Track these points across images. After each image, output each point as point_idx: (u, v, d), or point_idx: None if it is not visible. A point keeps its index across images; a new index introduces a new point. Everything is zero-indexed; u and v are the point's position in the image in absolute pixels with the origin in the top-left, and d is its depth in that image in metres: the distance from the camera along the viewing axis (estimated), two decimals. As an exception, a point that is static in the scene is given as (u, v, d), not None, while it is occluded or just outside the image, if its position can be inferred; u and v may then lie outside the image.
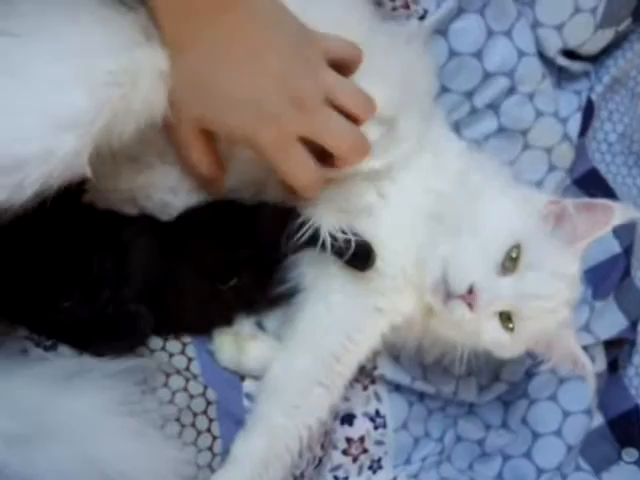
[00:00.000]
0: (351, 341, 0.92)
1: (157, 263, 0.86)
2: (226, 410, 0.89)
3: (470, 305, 0.83)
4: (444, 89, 1.06)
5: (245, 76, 0.73)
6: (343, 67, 0.78)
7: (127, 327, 0.84)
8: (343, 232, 0.86)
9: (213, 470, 0.86)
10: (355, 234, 0.86)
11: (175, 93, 0.74)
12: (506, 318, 0.86)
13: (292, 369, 0.90)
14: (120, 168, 0.82)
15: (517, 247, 0.85)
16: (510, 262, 0.85)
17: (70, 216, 0.79)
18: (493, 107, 1.08)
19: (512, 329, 0.86)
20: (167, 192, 0.85)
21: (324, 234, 0.86)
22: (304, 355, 0.91)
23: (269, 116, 0.73)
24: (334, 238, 0.86)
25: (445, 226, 0.88)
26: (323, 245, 0.86)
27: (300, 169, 0.76)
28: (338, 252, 0.87)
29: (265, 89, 0.72)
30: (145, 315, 0.85)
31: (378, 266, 0.88)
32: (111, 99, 0.69)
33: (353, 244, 0.86)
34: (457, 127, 1.09)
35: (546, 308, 0.86)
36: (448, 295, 0.85)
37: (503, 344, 0.88)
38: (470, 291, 0.83)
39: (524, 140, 1.10)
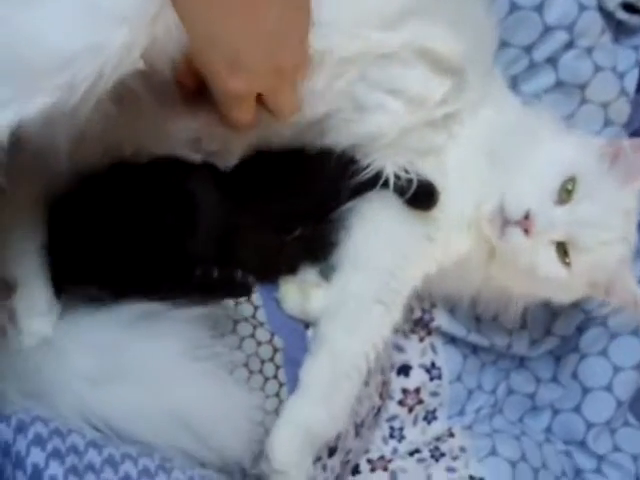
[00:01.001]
0: (403, 259, 0.92)
1: (222, 213, 0.86)
2: (292, 357, 0.90)
3: (526, 231, 0.85)
4: (503, 43, 1.05)
5: (237, 22, 0.70)
6: None
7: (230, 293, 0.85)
8: (406, 172, 0.88)
9: (279, 416, 0.87)
10: (418, 174, 0.88)
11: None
12: (563, 253, 0.87)
13: (348, 289, 0.91)
14: (180, 107, 0.81)
15: (572, 179, 0.86)
16: (566, 194, 0.86)
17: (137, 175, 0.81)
18: (551, 61, 1.06)
19: (569, 264, 0.87)
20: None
21: (387, 172, 0.87)
22: (358, 274, 0.91)
23: (244, 68, 0.71)
24: (397, 177, 0.87)
25: (505, 164, 0.89)
26: (385, 185, 0.88)
27: (245, 118, 0.77)
28: (400, 190, 0.88)
29: (252, 42, 0.70)
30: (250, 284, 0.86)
31: (439, 202, 0.89)
32: None
33: (415, 182, 0.87)
34: (515, 82, 1.08)
35: (602, 239, 0.87)
36: (505, 223, 0.86)
37: (560, 279, 0.88)
38: (526, 217, 0.85)
39: (581, 95, 1.09)
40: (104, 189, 0.81)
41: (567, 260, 0.87)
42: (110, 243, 0.81)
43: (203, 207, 0.84)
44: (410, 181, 0.87)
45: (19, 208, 0.81)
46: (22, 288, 0.80)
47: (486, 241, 0.90)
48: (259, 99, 0.76)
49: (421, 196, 0.89)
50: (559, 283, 0.89)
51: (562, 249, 0.87)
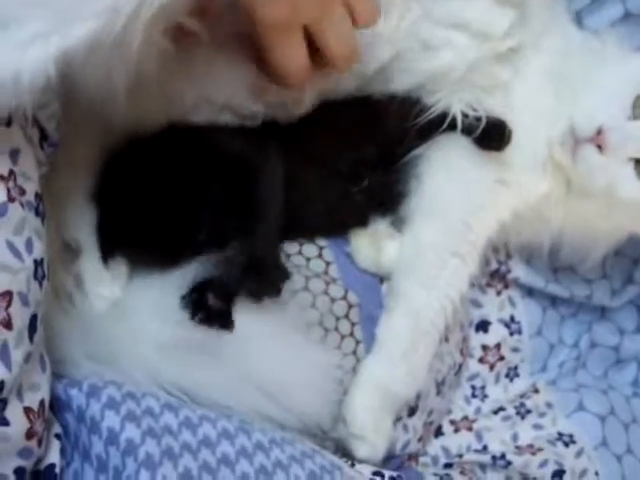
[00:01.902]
0: (478, 207, 0.88)
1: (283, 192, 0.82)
2: (367, 313, 0.87)
3: (600, 147, 0.81)
4: (567, -24, 0.99)
5: None
6: None
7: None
8: (474, 109, 0.84)
9: (357, 374, 0.84)
10: (487, 111, 0.85)
11: None
12: None
13: (423, 242, 0.88)
14: (240, 52, 0.78)
15: None
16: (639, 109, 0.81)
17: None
18: (619, -9, 1.01)
19: None
20: None
21: (454, 111, 0.84)
22: (432, 226, 0.88)
23: None
24: (465, 115, 0.84)
25: (573, 88, 0.86)
26: (452, 126, 0.84)
27: (294, 57, 0.71)
28: (468, 130, 0.84)
29: None
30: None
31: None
32: None
33: (485, 120, 0.84)
34: (579, 17, 1.02)
35: None
36: (577, 143, 0.82)
37: None
38: (599, 133, 0.81)
39: (651, 27, 1.03)
40: (157, 151, 0.78)
41: None
42: (158, 208, 0.78)
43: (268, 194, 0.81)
44: (479, 119, 0.84)
45: (78, 170, 0.78)
46: (86, 252, 0.77)
47: (562, 175, 0.86)
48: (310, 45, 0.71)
49: (493, 134, 0.85)
50: None
51: None
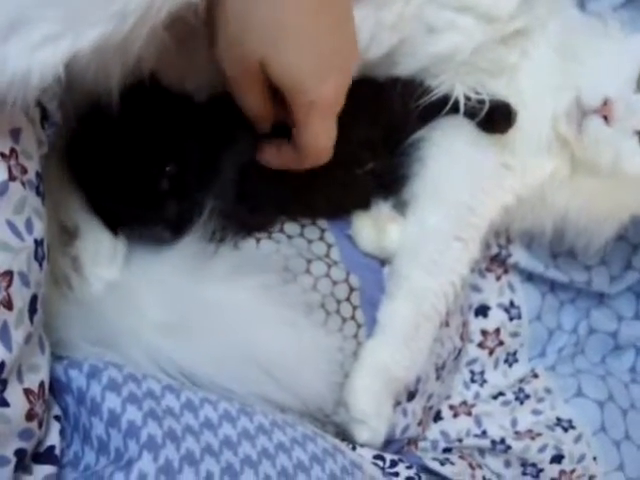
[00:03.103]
0: (482, 191, 0.88)
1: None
2: (369, 297, 0.86)
3: (606, 118, 0.80)
4: (570, -43, 0.98)
5: (325, 19, 0.66)
6: None
7: None
8: (477, 92, 0.84)
9: (358, 358, 0.83)
10: (490, 94, 0.84)
11: (230, 26, 0.66)
12: None
13: (426, 225, 0.87)
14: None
15: None
16: None
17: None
18: (622, -25, 1.00)
19: None
20: None
21: (457, 93, 0.83)
22: (436, 209, 0.87)
23: (335, 68, 0.68)
24: (467, 98, 0.84)
25: (578, 65, 0.85)
26: (455, 109, 0.84)
27: (328, 138, 0.73)
28: (471, 113, 0.84)
29: (337, 37, 0.68)
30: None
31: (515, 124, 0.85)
32: None
33: (488, 103, 0.83)
34: (582, 1, 1.02)
35: None
36: (583, 115, 0.82)
37: None
38: (605, 103, 0.80)
39: (655, 11, 1.02)
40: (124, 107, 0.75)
41: None
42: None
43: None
44: (482, 102, 0.84)
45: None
46: (84, 234, 0.76)
47: (567, 154, 0.86)
48: None
49: (497, 117, 0.84)
50: None
51: None
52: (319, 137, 0.72)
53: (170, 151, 0.75)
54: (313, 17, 0.65)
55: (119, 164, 0.74)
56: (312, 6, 0.65)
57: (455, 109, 0.84)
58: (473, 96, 0.84)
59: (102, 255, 0.77)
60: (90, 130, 0.75)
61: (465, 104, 0.84)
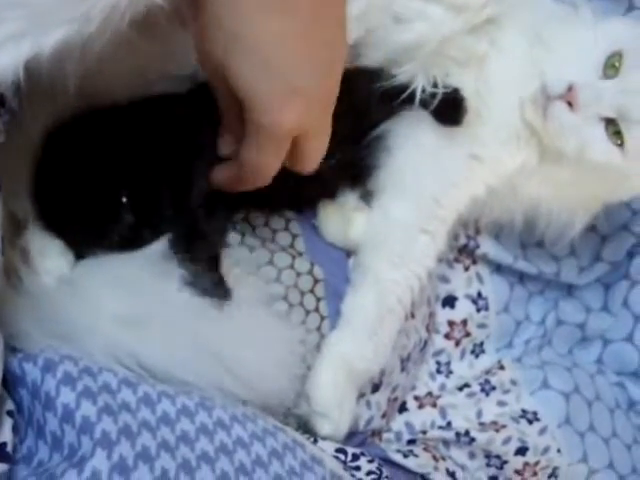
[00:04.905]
0: (449, 183, 0.87)
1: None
2: (333, 289, 0.85)
3: (570, 105, 0.80)
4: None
5: (295, 43, 0.61)
6: None
7: None
8: (434, 85, 0.83)
9: (321, 351, 0.83)
10: (446, 86, 0.83)
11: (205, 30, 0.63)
12: (614, 133, 0.81)
13: (392, 217, 0.86)
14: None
15: (619, 55, 0.81)
16: (612, 70, 0.81)
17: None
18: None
19: (622, 144, 0.81)
20: None
21: (416, 84, 0.82)
22: (402, 201, 0.86)
23: (301, 93, 0.63)
24: (423, 90, 0.82)
25: (546, 50, 0.85)
26: (411, 100, 0.83)
27: (273, 165, 0.68)
28: (424, 103, 0.83)
29: (309, 62, 0.63)
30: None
31: (482, 114, 0.85)
32: None
33: (440, 95, 0.83)
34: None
35: None
36: (548, 101, 0.81)
37: (613, 163, 0.82)
38: (569, 90, 0.80)
39: (628, 1, 1.02)
40: (90, 128, 0.76)
41: (619, 142, 0.81)
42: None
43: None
44: (434, 95, 0.83)
45: (30, 138, 0.75)
46: (34, 224, 0.74)
47: (535, 143, 0.86)
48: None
49: (447, 109, 0.83)
50: (614, 170, 0.83)
51: (613, 130, 0.81)
52: (260, 159, 0.68)
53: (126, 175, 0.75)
54: (276, 36, 0.61)
55: (78, 187, 0.74)
56: (277, 24, 0.60)
57: (411, 99, 0.83)
58: (428, 88, 0.83)
59: (51, 247, 0.74)
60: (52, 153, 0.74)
61: (421, 94, 0.83)
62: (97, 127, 0.75)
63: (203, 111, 0.73)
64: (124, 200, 0.74)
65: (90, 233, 0.76)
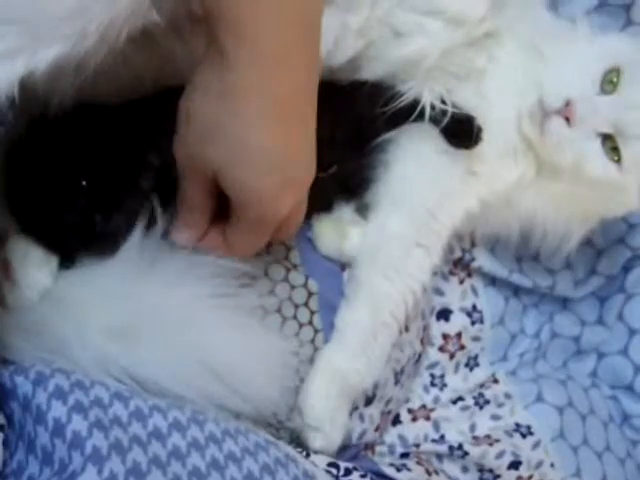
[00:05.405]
0: (446, 197, 0.87)
1: None
2: (327, 302, 0.85)
3: (568, 120, 0.80)
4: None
5: (288, 151, 0.66)
6: None
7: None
8: (443, 102, 0.83)
9: (315, 364, 0.82)
10: (455, 106, 0.83)
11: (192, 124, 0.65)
12: (610, 149, 0.82)
13: (388, 231, 0.86)
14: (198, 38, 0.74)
15: (616, 71, 0.82)
16: (610, 85, 0.82)
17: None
18: (594, -20, 0.99)
19: (618, 160, 0.82)
20: None
21: (424, 100, 0.82)
22: (398, 215, 0.86)
23: (293, 182, 0.68)
24: (432, 107, 0.83)
25: (544, 66, 0.85)
26: (421, 116, 0.83)
27: (254, 246, 0.74)
28: (435, 120, 0.83)
29: (300, 150, 0.67)
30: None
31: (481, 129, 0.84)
32: None
33: (450, 114, 0.83)
34: (555, 4, 1.01)
35: None
36: (545, 116, 0.82)
37: (610, 178, 0.83)
38: (567, 105, 0.80)
39: (626, 16, 1.02)
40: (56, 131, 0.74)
41: (616, 158, 0.81)
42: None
43: None
44: (445, 112, 0.83)
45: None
46: (14, 236, 0.74)
47: (532, 157, 0.86)
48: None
49: (462, 132, 0.84)
50: (611, 186, 0.84)
51: (611, 145, 0.82)
52: (251, 240, 0.72)
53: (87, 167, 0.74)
54: (278, 140, 0.64)
55: (44, 182, 0.73)
56: (279, 130, 0.64)
57: (421, 115, 0.83)
58: (438, 105, 0.83)
59: (33, 259, 0.74)
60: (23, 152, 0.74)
61: (430, 112, 0.83)
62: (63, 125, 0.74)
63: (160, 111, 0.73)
64: (84, 183, 0.73)
65: (52, 223, 0.74)
